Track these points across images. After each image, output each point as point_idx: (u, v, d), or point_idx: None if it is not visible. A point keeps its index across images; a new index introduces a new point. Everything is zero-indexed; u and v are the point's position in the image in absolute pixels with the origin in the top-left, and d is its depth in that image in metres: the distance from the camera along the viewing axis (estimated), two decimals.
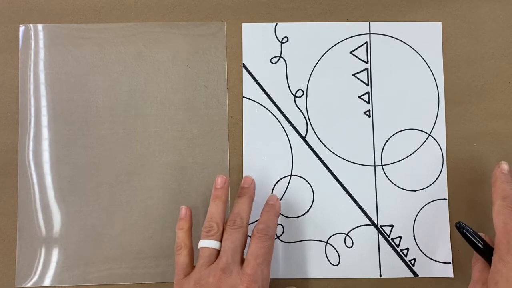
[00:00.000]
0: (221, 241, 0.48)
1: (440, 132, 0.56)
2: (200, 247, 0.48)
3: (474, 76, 0.57)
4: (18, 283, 0.55)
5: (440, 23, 0.57)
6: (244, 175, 0.55)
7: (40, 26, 0.57)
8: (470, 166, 0.56)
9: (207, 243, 0.48)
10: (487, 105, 0.57)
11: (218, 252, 0.48)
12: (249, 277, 0.45)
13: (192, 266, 0.49)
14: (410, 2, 0.58)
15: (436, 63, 0.57)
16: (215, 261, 0.47)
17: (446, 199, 0.56)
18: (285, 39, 0.57)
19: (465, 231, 0.47)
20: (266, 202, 0.52)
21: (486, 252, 0.47)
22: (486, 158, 0.57)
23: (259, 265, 0.46)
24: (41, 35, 0.57)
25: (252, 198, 0.52)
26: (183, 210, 0.52)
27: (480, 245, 0.47)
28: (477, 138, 0.57)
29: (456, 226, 0.48)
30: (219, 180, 0.51)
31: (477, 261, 0.48)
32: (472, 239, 0.47)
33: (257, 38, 0.58)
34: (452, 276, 0.54)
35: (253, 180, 0.53)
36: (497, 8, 0.58)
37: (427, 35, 0.57)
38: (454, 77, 0.57)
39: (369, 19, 0.58)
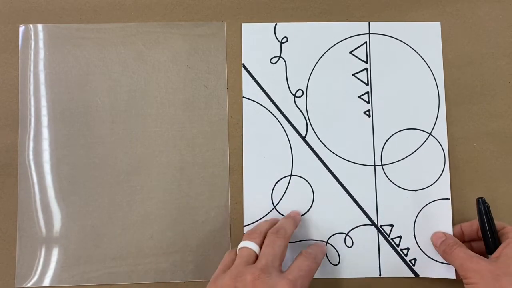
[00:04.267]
0: (261, 247, 0.48)
1: (441, 132, 0.56)
2: (239, 248, 0.49)
3: (474, 76, 0.57)
4: (18, 283, 0.55)
5: (439, 23, 0.57)
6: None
7: (40, 26, 0.57)
8: (470, 166, 0.56)
9: (247, 244, 0.48)
10: (487, 105, 0.57)
11: (256, 255, 0.48)
12: (290, 282, 0.44)
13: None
14: (410, 2, 0.58)
15: (436, 63, 0.57)
16: (253, 263, 0.47)
17: (449, 199, 0.55)
18: (284, 39, 0.57)
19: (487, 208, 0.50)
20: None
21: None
22: (486, 158, 0.57)
23: (300, 277, 0.45)
24: (41, 35, 0.57)
25: (296, 223, 0.53)
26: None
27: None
28: (477, 138, 0.57)
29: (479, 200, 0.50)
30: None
31: (455, 249, 0.50)
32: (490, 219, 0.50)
33: (256, 38, 0.58)
34: (454, 277, 0.54)
35: (299, 214, 0.56)
36: (497, 8, 0.58)
37: (426, 35, 0.57)
38: (454, 77, 0.57)
39: (369, 19, 0.58)
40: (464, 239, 0.54)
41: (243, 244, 0.48)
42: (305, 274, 0.46)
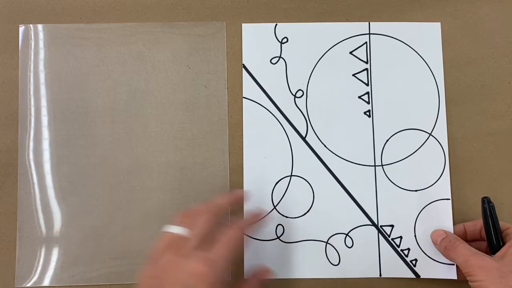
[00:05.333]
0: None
1: (442, 132, 0.56)
2: (165, 231, 0.46)
3: (474, 76, 0.57)
4: (18, 283, 0.54)
5: (439, 23, 0.57)
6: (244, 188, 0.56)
7: (40, 26, 0.57)
8: (470, 166, 0.56)
9: (172, 228, 0.46)
10: (487, 105, 0.57)
11: (185, 237, 0.45)
12: (210, 261, 0.43)
13: None
14: (410, 2, 0.58)
15: (436, 63, 0.57)
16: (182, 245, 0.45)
17: (449, 199, 0.55)
18: (285, 40, 0.57)
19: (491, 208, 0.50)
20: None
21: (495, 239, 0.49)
22: (486, 158, 0.56)
23: (221, 256, 0.44)
24: (41, 35, 0.57)
25: (233, 200, 0.53)
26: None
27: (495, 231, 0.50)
28: (477, 138, 0.57)
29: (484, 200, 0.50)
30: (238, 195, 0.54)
31: (458, 245, 0.50)
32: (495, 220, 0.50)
33: (257, 39, 0.58)
34: (455, 278, 0.54)
35: (243, 193, 0.55)
36: (497, 8, 0.58)
37: (427, 35, 0.57)
38: (454, 77, 0.57)
39: (369, 19, 0.58)
40: (466, 239, 0.54)
41: (167, 228, 0.46)
42: (229, 249, 0.45)
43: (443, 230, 0.54)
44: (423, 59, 0.57)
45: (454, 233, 0.54)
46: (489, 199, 0.50)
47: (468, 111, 0.57)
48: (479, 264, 0.46)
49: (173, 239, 0.45)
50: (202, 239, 0.45)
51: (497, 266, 0.46)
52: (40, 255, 0.55)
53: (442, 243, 0.52)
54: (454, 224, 0.55)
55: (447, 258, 0.52)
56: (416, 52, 0.57)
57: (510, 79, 0.57)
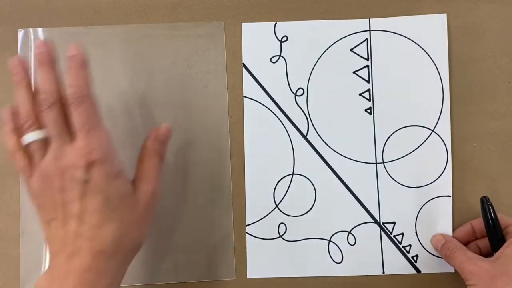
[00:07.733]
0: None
1: (445, 128, 0.56)
2: (25, 144, 0.43)
3: (474, 76, 0.57)
4: (22, 284, 0.54)
5: (445, 14, 0.56)
6: None
7: (39, 30, 0.57)
8: (470, 166, 0.56)
9: (30, 137, 0.43)
10: (487, 105, 0.57)
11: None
12: (84, 149, 0.40)
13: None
14: (411, 2, 0.57)
15: (441, 57, 0.56)
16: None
17: (450, 196, 0.55)
18: (284, 38, 0.57)
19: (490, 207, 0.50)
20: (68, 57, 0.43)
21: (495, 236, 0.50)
22: (487, 158, 0.56)
23: (89, 132, 0.41)
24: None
25: (53, 64, 0.45)
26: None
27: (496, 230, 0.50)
28: (477, 138, 0.56)
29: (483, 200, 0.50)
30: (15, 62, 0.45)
31: (455, 252, 0.51)
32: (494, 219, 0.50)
33: (256, 38, 0.57)
34: (454, 271, 0.55)
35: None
36: (497, 8, 0.57)
37: (431, 29, 0.56)
38: (454, 78, 0.57)
39: (370, 17, 0.57)
40: (476, 237, 0.54)
41: (26, 139, 0.43)
42: (90, 125, 0.42)
43: (441, 235, 0.54)
44: (427, 53, 0.56)
45: (461, 233, 0.54)
46: (488, 198, 0.50)
47: (468, 111, 0.57)
48: (471, 269, 0.48)
49: (43, 145, 0.42)
50: (67, 130, 0.42)
51: (488, 270, 0.46)
52: (43, 255, 0.55)
53: (442, 250, 0.53)
54: (455, 221, 0.55)
55: (448, 264, 0.53)
56: (420, 46, 0.56)
57: (510, 79, 0.57)
